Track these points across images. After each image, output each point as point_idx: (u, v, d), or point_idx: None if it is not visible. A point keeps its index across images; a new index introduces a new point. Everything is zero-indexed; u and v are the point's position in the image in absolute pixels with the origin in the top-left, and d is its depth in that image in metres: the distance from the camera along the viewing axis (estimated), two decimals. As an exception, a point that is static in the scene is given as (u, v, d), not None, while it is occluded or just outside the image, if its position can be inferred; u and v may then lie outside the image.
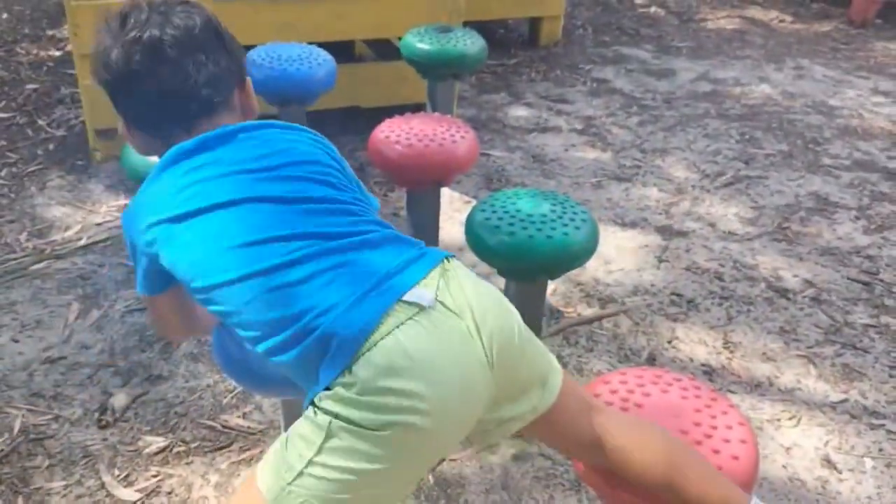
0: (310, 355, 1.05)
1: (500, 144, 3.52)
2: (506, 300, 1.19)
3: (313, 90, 2.61)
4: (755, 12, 5.67)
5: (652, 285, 2.60)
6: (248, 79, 1.31)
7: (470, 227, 1.85)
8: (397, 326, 1.04)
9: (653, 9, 5.55)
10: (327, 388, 1.04)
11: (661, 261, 2.74)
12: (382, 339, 1.03)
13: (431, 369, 1.04)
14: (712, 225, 2.98)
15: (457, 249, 2.69)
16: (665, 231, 2.92)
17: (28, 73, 3.85)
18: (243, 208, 1.12)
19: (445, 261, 1.14)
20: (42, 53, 4.07)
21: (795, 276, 2.69)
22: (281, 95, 2.60)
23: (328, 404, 1.03)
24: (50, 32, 4.33)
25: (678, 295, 2.56)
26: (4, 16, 4.56)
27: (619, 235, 2.87)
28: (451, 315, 1.08)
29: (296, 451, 1.05)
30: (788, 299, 2.56)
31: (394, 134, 2.20)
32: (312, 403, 1.06)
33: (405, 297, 1.06)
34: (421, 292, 1.07)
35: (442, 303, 1.08)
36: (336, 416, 1.02)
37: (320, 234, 1.11)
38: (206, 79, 1.20)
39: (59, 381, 2.05)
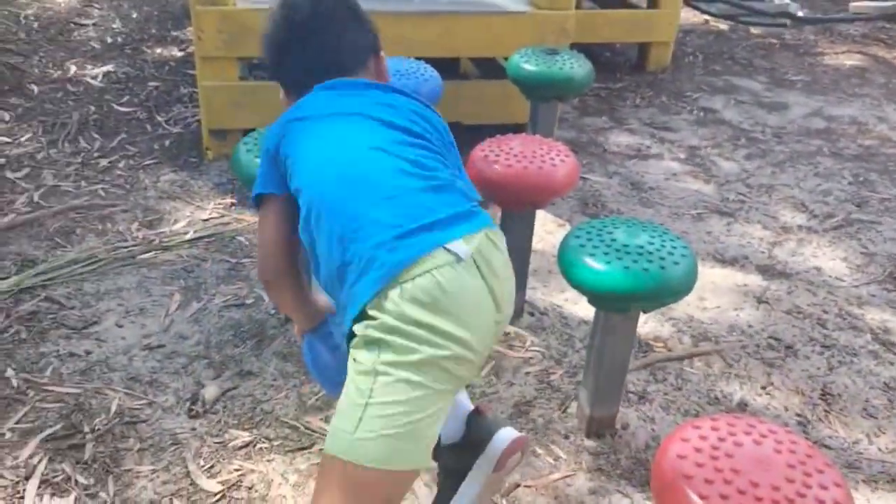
0: (346, 288, 1.28)
1: (598, 169, 3.47)
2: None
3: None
4: (877, 49, 5.41)
5: (749, 326, 2.51)
6: (383, 52, 1.60)
7: (563, 252, 1.83)
8: (435, 268, 1.23)
9: (768, 40, 5.37)
10: (364, 317, 1.23)
11: (760, 301, 2.64)
12: (420, 275, 1.22)
13: (459, 309, 1.24)
14: (818, 269, 2.84)
15: (546, 273, 2.67)
16: (767, 271, 2.81)
17: (151, 70, 4.06)
18: (358, 122, 1.39)
19: (489, 229, 1.34)
20: (165, 53, 4.29)
21: (906, 330, 2.54)
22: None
23: (367, 331, 1.22)
24: (175, 33, 4.56)
25: (776, 339, 2.45)
26: (134, 15, 4.83)
27: (718, 272, 2.78)
28: (479, 276, 1.29)
29: (352, 404, 1.22)
30: (895, 353, 2.42)
31: (493, 153, 2.21)
32: (352, 336, 1.25)
33: (447, 246, 1.25)
34: (462, 247, 1.27)
35: (475, 262, 1.28)
36: (378, 345, 1.21)
37: (404, 158, 1.34)
38: (347, 47, 1.51)
39: (156, 368, 2.14)
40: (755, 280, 2.75)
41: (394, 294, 1.22)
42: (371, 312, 1.23)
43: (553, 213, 3.06)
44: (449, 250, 1.26)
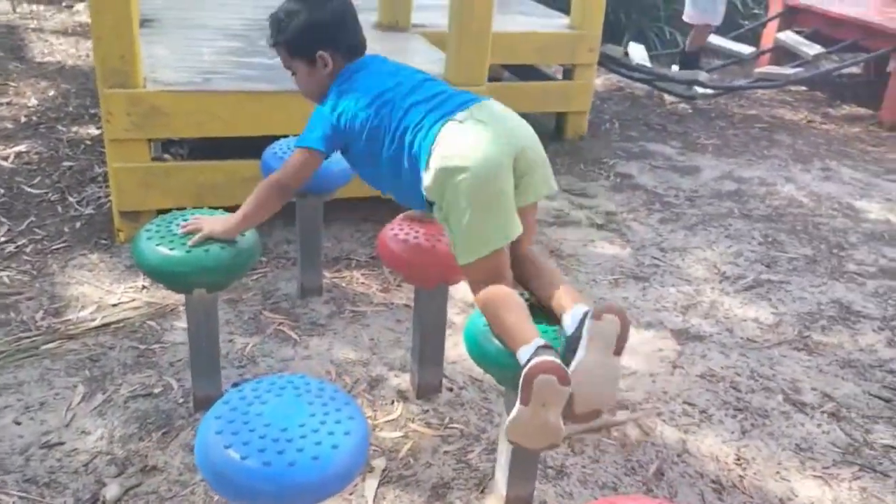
0: (408, 150, 1.92)
1: (519, 237, 3.51)
2: (528, 127, 1.96)
3: (330, 183, 2.65)
4: (784, 112, 5.70)
5: (664, 392, 2.54)
6: None
7: (469, 333, 1.83)
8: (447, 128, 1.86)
9: (681, 105, 5.60)
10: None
11: (675, 366, 2.68)
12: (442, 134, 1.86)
13: (469, 147, 1.81)
14: (730, 330, 2.91)
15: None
16: (681, 334, 2.87)
17: (66, 150, 3.98)
18: (404, 67, 2.13)
19: (477, 104, 1.92)
20: (82, 131, 4.22)
21: (814, 388, 2.60)
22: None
23: (429, 179, 1.85)
24: (93, 111, 4.50)
25: (691, 404, 2.48)
26: (51, 92, 4.76)
27: (634, 338, 2.82)
28: (481, 122, 1.86)
29: (448, 231, 1.88)
30: (806, 414, 2.48)
31: (402, 231, 2.22)
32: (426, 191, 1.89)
33: (455, 117, 1.88)
34: (462, 115, 1.88)
35: (476, 117, 1.87)
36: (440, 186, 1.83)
37: (427, 93, 1.99)
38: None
39: (55, 468, 2.04)
40: (670, 344, 2.80)
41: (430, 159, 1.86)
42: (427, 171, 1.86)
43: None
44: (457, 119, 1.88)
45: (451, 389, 2.47)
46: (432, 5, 4.76)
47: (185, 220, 2.11)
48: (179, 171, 3.08)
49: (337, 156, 2.68)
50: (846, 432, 2.40)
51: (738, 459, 2.26)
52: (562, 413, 1.59)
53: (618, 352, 1.64)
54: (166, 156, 3.78)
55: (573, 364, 1.61)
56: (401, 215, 2.34)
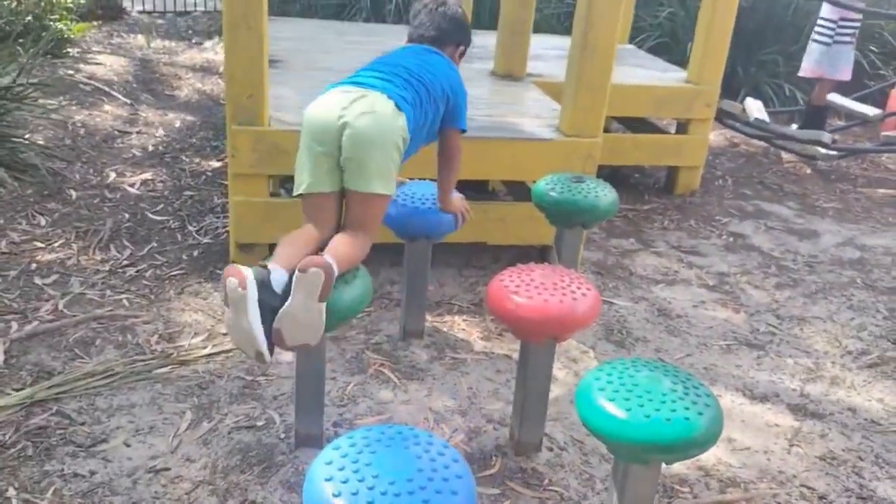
0: None
1: (624, 293, 3.42)
2: (384, 126, 2.23)
3: (441, 229, 2.66)
4: (912, 177, 5.39)
5: (780, 472, 2.38)
6: (462, 50, 2.72)
7: (581, 395, 1.76)
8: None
9: (799, 165, 5.38)
10: None
11: (792, 445, 2.51)
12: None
13: (314, 103, 2.29)
14: (852, 410, 2.72)
15: (568, 404, 2.58)
16: (799, 411, 2.69)
17: (188, 180, 4.17)
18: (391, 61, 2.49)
19: (367, 89, 2.28)
20: (204, 163, 4.42)
21: (949, 483, 2.39)
22: (410, 231, 2.66)
23: None
24: (215, 143, 4.71)
25: (809, 488, 2.32)
26: (177, 124, 5.01)
27: (747, 410, 2.67)
28: (344, 93, 2.28)
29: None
30: (940, 511, 2.27)
31: (513, 283, 2.18)
32: None
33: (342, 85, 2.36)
34: (347, 86, 2.34)
35: (345, 90, 2.31)
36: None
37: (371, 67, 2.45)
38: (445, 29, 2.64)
39: (159, 494, 2.08)
40: (787, 420, 2.64)
41: None
42: None
43: (576, 339, 3.00)
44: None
45: (551, 449, 2.40)
46: (547, 55, 4.78)
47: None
48: (295, 208, 3.15)
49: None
50: None
51: (863, 555, 2.09)
52: (276, 345, 1.94)
53: (321, 298, 1.93)
54: (282, 191, 3.90)
55: (284, 306, 1.91)
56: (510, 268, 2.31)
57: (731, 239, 4.13)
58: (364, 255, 2.20)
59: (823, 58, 5.23)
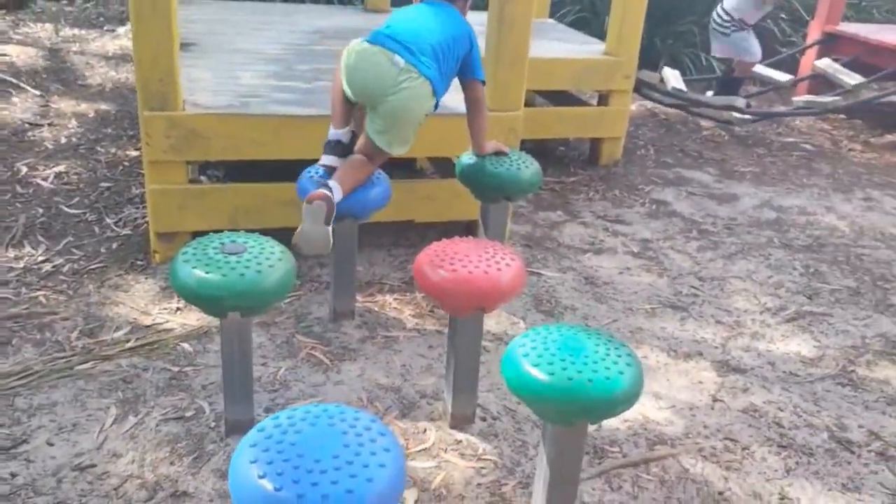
0: None
1: (552, 264, 3.47)
2: (418, 107, 2.65)
3: (366, 208, 2.64)
4: (823, 140, 5.61)
5: (705, 427, 2.47)
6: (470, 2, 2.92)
7: (507, 361, 1.79)
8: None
9: (717, 132, 5.54)
10: None
11: (715, 400, 2.60)
12: None
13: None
14: (772, 363, 2.83)
15: (499, 374, 2.61)
16: (721, 367, 2.79)
17: (104, 171, 4.03)
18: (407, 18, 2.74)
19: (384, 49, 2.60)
20: (120, 153, 4.27)
21: (860, 426, 2.51)
22: (336, 211, 2.63)
23: None
24: (131, 132, 4.56)
25: (733, 440, 2.41)
26: (91, 114, 4.83)
27: (672, 369, 2.76)
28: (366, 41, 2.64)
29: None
30: (852, 452, 2.39)
31: (438, 258, 2.19)
32: None
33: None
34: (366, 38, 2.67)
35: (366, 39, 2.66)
36: None
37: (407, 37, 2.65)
38: None
39: (86, 491, 2.02)
40: (710, 377, 2.73)
41: None
42: None
43: (506, 310, 3.03)
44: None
45: (484, 419, 2.43)
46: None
47: (223, 244, 2.10)
48: (215, 194, 3.09)
49: (375, 178, 2.69)
50: (895, 472, 2.31)
51: (782, 499, 2.18)
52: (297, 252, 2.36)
53: (326, 222, 2.48)
54: (202, 178, 3.81)
55: (298, 229, 2.51)
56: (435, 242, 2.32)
57: (654, 206, 4.22)
58: (367, 176, 2.67)
59: (727, 46, 5.36)
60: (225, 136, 2.97)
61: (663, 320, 3.08)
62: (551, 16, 5.84)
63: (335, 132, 2.68)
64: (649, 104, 5.84)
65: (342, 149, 2.66)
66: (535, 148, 4.69)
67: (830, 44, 6.17)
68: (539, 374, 1.70)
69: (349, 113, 2.70)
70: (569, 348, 1.77)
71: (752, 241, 3.86)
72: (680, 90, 5.23)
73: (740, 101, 5.21)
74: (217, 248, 2.09)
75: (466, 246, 2.26)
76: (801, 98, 5.76)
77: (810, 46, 6.25)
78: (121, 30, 6.69)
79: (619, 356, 1.76)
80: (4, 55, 5.42)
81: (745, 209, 4.26)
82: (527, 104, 3.51)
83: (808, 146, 5.43)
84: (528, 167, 2.84)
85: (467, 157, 2.87)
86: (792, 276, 3.52)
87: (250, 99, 3.16)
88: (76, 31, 6.54)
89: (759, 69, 5.92)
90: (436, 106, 2.72)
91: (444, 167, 3.68)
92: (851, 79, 5.52)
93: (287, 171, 2.95)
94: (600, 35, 5.31)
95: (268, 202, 3.11)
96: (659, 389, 2.62)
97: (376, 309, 2.99)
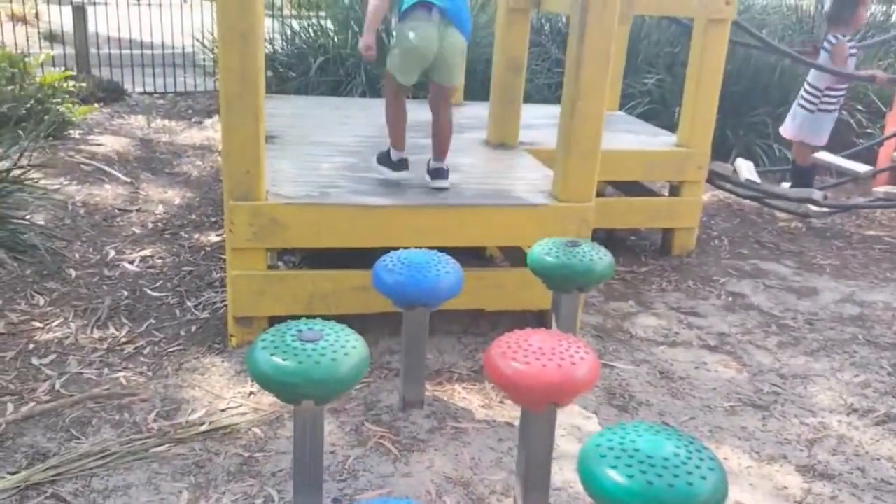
0: None
1: (625, 356, 3.40)
2: (459, 54, 3.44)
3: (438, 297, 2.67)
4: (907, 232, 5.42)
5: (791, 536, 2.32)
6: None
7: (583, 463, 1.74)
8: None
9: (794, 223, 5.42)
10: None
11: (801, 507, 2.46)
12: None
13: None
14: (862, 469, 2.67)
15: (572, 472, 2.54)
16: (807, 472, 2.65)
17: (187, 255, 4.20)
18: None
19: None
20: (203, 238, 4.45)
21: (967, 543, 2.33)
22: (407, 300, 2.66)
23: None
24: (213, 219, 4.76)
25: (822, 553, 2.26)
26: (177, 201, 5.07)
27: (755, 473, 2.63)
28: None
29: None
30: (959, 573, 2.20)
31: (511, 349, 2.17)
32: None
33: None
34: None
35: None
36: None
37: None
38: None
39: (155, 577, 2.02)
40: (796, 482, 2.59)
41: None
42: None
43: (579, 404, 2.96)
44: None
45: (556, 518, 2.35)
46: (539, 124, 4.88)
47: (300, 331, 2.14)
48: (293, 280, 3.17)
49: (448, 267, 2.72)
50: None
51: None
52: None
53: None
54: (279, 263, 3.93)
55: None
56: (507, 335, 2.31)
57: (731, 299, 4.12)
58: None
59: (805, 123, 5.31)
60: (304, 225, 3.07)
61: (744, 419, 2.95)
62: (621, 108, 5.92)
63: (401, 153, 3.53)
64: (723, 194, 5.78)
65: (407, 164, 3.53)
66: (605, 237, 4.70)
67: (911, 135, 6.03)
68: (617, 477, 1.64)
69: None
70: (648, 449, 1.71)
71: (836, 338, 3.70)
72: (753, 181, 5.17)
73: (817, 194, 5.11)
74: (294, 335, 2.13)
75: (539, 337, 2.24)
76: (880, 189, 5.61)
77: (889, 137, 6.13)
78: (207, 122, 7.08)
79: (702, 459, 1.69)
80: (100, 144, 5.78)
81: (827, 304, 4.12)
82: (598, 194, 3.53)
83: (890, 239, 5.26)
84: (602, 259, 2.83)
85: (540, 248, 2.88)
86: (879, 376, 3.35)
87: (329, 189, 3.28)
88: (167, 122, 6.95)
89: (835, 159, 5.81)
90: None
91: (513, 256, 3.70)
92: (934, 170, 5.36)
93: (362, 258, 3.02)
94: (670, 126, 5.34)
95: (343, 288, 3.17)
96: (741, 495, 2.50)
97: (445, 398, 2.97)
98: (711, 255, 4.76)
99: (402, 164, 3.52)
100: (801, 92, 5.37)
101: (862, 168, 5.58)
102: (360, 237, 3.14)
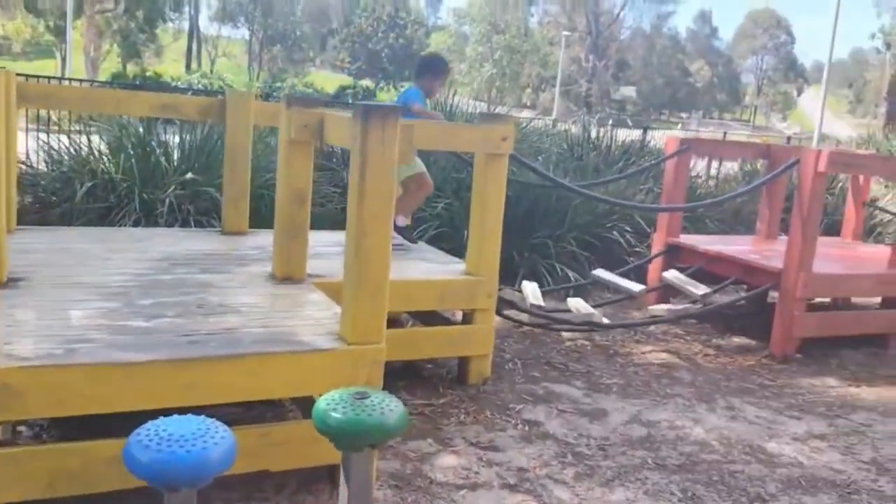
0: None
1: (425, 507, 3.18)
2: None
3: (206, 474, 2.30)
4: (679, 346, 5.79)
5: None
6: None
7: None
8: None
9: (579, 342, 5.61)
10: None
11: None
12: None
13: None
14: None
15: None
16: None
17: None
18: None
19: None
20: None
21: None
22: (169, 480, 2.27)
23: None
24: None
25: None
26: None
27: None
28: None
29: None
30: None
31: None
32: None
33: None
34: None
35: None
36: None
37: None
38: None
39: None
40: None
41: None
42: None
43: (375, 574, 2.67)
44: None
45: None
46: (328, 252, 4.71)
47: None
48: (26, 459, 2.64)
49: (217, 437, 2.37)
50: None
51: None
52: None
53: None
54: (22, 429, 3.32)
55: None
56: None
57: (527, 428, 4.08)
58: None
59: None
60: (43, 392, 2.59)
61: (547, 569, 2.81)
62: (413, 231, 5.93)
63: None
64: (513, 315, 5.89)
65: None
66: (402, 368, 4.54)
67: (674, 254, 6.58)
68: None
69: None
70: None
71: (627, 463, 3.74)
72: (539, 307, 5.32)
73: (597, 316, 5.34)
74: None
75: None
76: (655, 307, 6.00)
77: (655, 257, 6.64)
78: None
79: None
80: None
81: (616, 426, 4.19)
82: (395, 322, 3.37)
83: (664, 354, 5.57)
84: (393, 410, 2.62)
85: (325, 403, 2.63)
86: (671, 503, 3.39)
87: (77, 345, 2.80)
88: None
89: (614, 278, 6.16)
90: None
91: (304, 405, 3.40)
92: (698, 290, 5.83)
93: (117, 421, 2.59)
94: (461, 247, 5.40)
95: (93, 461, 2.68)
96: None
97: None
98: (506, 380, 4.74)
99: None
100: None
101: (636, 287, 5.95)
102: (115, 401, 2.69)
